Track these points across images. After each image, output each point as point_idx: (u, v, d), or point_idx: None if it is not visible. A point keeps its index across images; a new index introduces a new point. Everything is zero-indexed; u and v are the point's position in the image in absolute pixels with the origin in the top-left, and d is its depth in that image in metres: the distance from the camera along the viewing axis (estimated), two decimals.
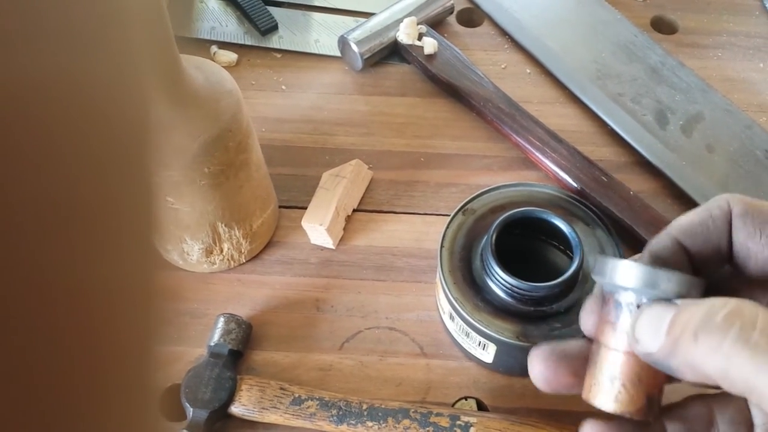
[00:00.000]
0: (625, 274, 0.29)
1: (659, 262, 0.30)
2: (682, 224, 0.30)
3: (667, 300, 0.28)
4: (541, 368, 0.32)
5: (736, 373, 0.23)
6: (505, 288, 0.44)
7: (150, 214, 0.16)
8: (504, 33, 0.68)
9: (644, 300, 0.29)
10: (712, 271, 0.31)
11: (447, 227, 0.48)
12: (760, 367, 0.22)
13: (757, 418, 0.30)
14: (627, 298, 0.29)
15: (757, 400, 0.24)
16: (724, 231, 0.29)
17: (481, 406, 0.48)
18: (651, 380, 0.29)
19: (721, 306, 0.25)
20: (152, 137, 0.16)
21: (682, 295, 0.28)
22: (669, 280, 0.28)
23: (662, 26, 0.71)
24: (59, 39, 0.12)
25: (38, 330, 0.12)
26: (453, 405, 0.48)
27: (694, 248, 0.30)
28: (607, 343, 0.30)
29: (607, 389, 0.29)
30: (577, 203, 0.49)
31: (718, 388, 0.26)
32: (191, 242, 0.48)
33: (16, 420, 0.12)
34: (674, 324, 0.26)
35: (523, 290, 0.44)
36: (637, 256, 0.32)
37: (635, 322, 0.28)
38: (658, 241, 0.30)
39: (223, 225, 0.48)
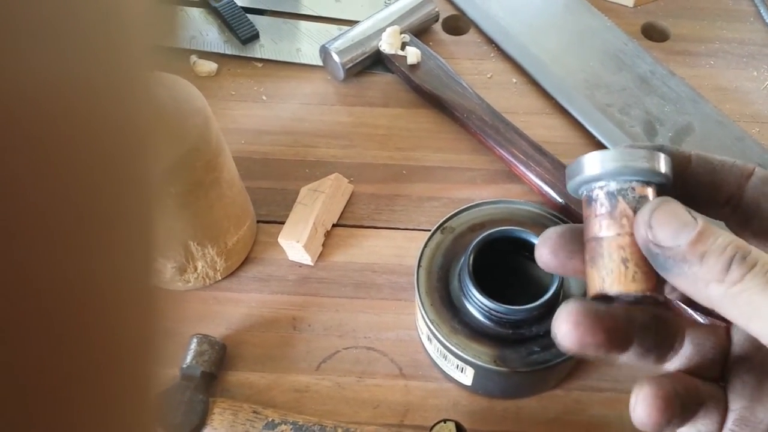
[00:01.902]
0: (611, 160, 0.29)
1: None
2: (705, 154, 0.31)
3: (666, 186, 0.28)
4: (570, 329, 0.31)
5: (742, 303, 0.25)
6: (482, 310, 0.43)
7: (151, 216, 0.16)
8: (490, 41, 0.67)
9: (634, 182, 0.28)
10: (699, 204, 0.31)
11: (425, 246, 0.47)
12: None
13: (734, 404, 0.30)
14: (616, 185, 0.29)
15: (753, 334, 0.25)
16: (737, 180, 0.30)
17: (460, 429, 0.47)
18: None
19: (740, 247, 0.26)
20: (154, 138, 0.16)
21: (667, 174, 0.28)
22: (659, 158, 0.28)
23: (653, 33, 0.70)
24: (63, 39, 0.12)
25: (38, 340, 0.12)
26: (431, 429, 0.46)
27: (697, 173, 0.30)
28: (609, 233, 0.29)
29: (623, 273, 0.28)
30: (558, 220, 0.48)
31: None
32: (163, 260, 0.47)
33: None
34: (703, 239, 0.26)
35: (501, 313, 0.42)
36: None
37: (653, 212, 0.27)
38: (676, 149, 0.31)
39: (195, 244, 0.47)
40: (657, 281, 0.28)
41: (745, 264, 0.25)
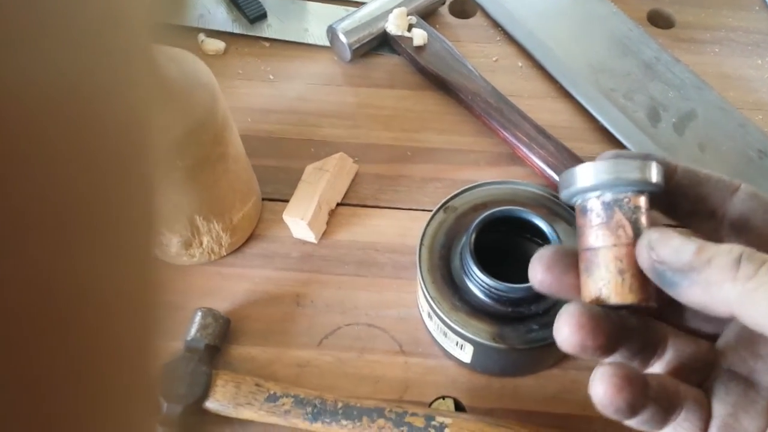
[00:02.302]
0: (605, 171, 0.29)
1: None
2: (693, 168, 0.31)
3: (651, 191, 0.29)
4: (542, 274, 0.31)
5: (761, 300, 0.24)
6: (482, 288, 0.44)
7: (150, 213, 0.16)
8: (497, 25, 0.67)
9: (630, 192, 0.29)
10: (681, 215, 0.32)
11: (427, 225, 0.48)
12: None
13: (717, 410, 0.30)
14: (612, 195, 0.29)
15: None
16: (722, 193, 0.30)
17: (458, 406, 0.47)
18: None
19: (745, 248, 0.26)
20: (153, 136, 0.16)
21: (659, 183, 0.29)
22: (651, 168, 0.29)
23: (659, 20, 0.70)
24: (62, 40, 0.12)
25: (37, 327, 0.12)
26: (430, 404, 0.47)
27: (683, 185, 0.31)
28: (605, 243, 0.29)
29: (620, 283, 0.29)
30: (559, 202, 0.49)
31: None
32: (169, 235, 0.48)
33: (16, 417, 0.12)
34: (704, 249, 0.26)
35: (501, 291, 0.43)
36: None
37: (652, 234, 0.28)
38: (663, 159, 0.31)
39: (200, 218, 0.47)
40: (652, 291, 0.29)
41: (755, 259, 0.25)
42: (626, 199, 0.29)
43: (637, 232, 0.29)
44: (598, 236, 0.29)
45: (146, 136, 0.15)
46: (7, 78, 0.11)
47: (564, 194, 0.31)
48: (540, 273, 0.31)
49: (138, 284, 0.16)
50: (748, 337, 0.30)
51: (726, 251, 0.26)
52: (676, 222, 0.32)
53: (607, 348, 0.29)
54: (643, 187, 0.29)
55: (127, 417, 0.16)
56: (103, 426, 0.15)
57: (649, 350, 0.31)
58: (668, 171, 0.31)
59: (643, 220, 0.29)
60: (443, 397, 0.48)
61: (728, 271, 0.25)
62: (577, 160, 0.55)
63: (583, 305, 0.29)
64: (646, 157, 0.30)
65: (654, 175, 0.29)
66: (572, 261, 0.31)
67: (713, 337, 0.31)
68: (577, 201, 0.30)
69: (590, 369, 0.49)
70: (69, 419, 0.13)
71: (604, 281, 0.29)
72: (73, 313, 0.13)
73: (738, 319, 0.25)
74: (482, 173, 0.57)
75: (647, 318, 0.31)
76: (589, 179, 0.29)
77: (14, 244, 0.11)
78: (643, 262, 0.28)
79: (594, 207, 0.29)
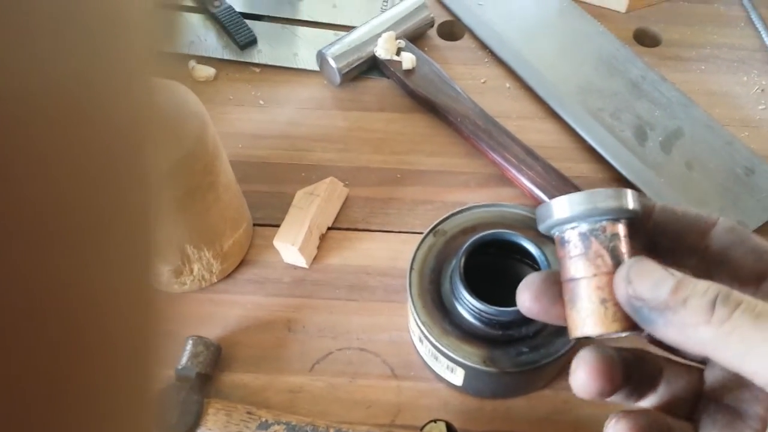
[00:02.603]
0: (579, 203, 0.29)
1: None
2: (669, 204, 0.32)
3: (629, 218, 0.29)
4: (529, 302, 0.32)
5: (734, 342, 0.25)
6: (472, 312, 0.44)
7: (150, 218, 0.16)
8: (484, 47, 0.68)
9: (604, 221, 0.29)
10: (663, 253, 0.32)
11: (417, 249, 0.48)
12: (757, 344, 0.24)
13: (709, 378, 0.31)
14: (587, 226, 0.29)
15: (747, 375, 0.25)
16: (700, 229, 0.31)
17: (450, 429, 0.47)
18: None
19: (715, 289, 0.26)
20: (154, 140, 0.16)
21: (635, 209, 0.29)
22: (626, 195, 0.29)
23: (645, 39, 0.71)
24: (66, 41, 0.12)
25: (34, 347, 0.12)
26: (422, 429, 0.47)
27: (662, 223, 0.31)
28: (585, 273, 0.30)
29: (603, 314, 0.29)
30: None
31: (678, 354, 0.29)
32: (159, 264, 0.48)
33: None
34: (682, 287, 0.26)
35: (491, 314, 0.43)
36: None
37: (630, 267, 0.28)
38: (641, 199, 0.31)
39: (191, 247, 0.48)
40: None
41: (729, 302, 0.25)
42: (602, 228, 0.29)
43: (616, 260, 0.29)
44: (577, 267, 0.30)
45: (143, 142, 0.15)
46: (11, 81, 0.11)
47: (542, 227, 0.31)
48: (528, 301, 0.31)
49: (137, 296, 0.16)
50: None
51: (701, 292, 0.26)
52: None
53: (618, 389, 0.30)
54: (618, 214, 0.29)
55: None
56: None
57: (645, 384, 0.31)
58: (646, 210, 0.31)
59: (623, 247, 0.29)
60: (435, 421, 0.48)
61: (703, 314, 0.25)
62: (565, 181, 0.55)
63: (596, 351, 0.30)
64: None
65: (629, 201, 0.29)
66: (559, 290, 0.31)
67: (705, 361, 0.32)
68: (555, 233, 0.31)
69: None
70: None
71: (587, 312, 0.29)
72: (67, 324, 0.13)
73: (713, 360, 0.26)
74: (472, 195, 0.58)
75: (643, 351, 0.32)
76: (564, 211, 0.29)
77: (9, 246, 0.11)
78: (621, 296, 0.28)
79: (571, 238, 0.30)
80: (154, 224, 0.16)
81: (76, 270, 0.13)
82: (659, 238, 0.31)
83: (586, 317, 0.29)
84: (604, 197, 0.29)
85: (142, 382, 0.16)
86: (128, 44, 0.15)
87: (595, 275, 0.29)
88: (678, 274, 0.27)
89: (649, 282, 0.27)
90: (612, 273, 0.29)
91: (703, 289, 0.26)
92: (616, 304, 0.29)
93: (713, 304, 0.25)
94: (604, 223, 0.29)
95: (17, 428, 0.12)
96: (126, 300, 0.15)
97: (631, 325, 0.29)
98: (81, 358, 0.13)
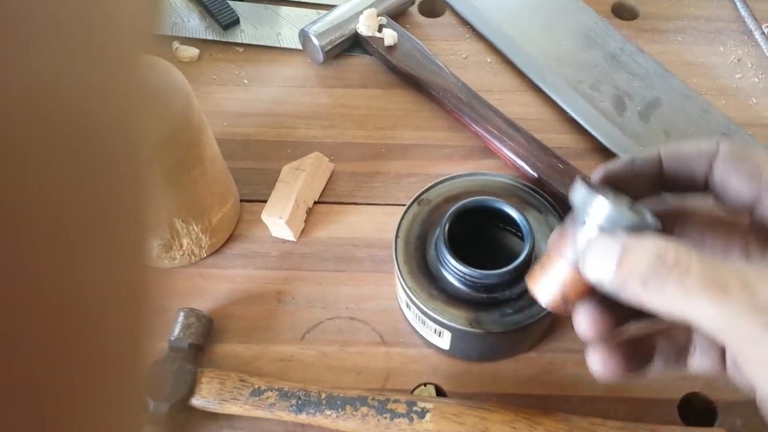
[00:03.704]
0: (579, 196, 0.32)
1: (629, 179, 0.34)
2: (671, 147, 0.34)
3: (613, 230, 0.31)
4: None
5: (678, 311, 0.27)
6: (458, 276, 0.45)
7: (142, 212, 0.16)
8: (465, 23, 0.69)
9: (594, 223, 0.32)
10: (679, 193, 0.35)
11: (402, 218, 0.49)
12: (693, 309, 0.27)
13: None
14: (578, 217, 0.32)
15: (695, 327, 0.28)
16: (706, 163, 0.33)
17: (440, 392, 0.49)
18: (571, 285, 0.33)
19: (663, 249, 0.28)
20: (145, 136, 0.16)
21: (633, 226, 0.31)
22: (617, 212, 0.31)
23: (623, 12, 0.72)
24: (54, 43, 0.12)
25: (30, 327, 0.12)
26: (412, 391, 0.48)
27: (671, 169, 0.33)
28: (564, 253, 0.33)
29: (536, 276, 0.34)
30: (530, 191, 0.50)
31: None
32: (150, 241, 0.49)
33: (9, 413, 0.12)
34: (622, 266, 0.29)
35: (476, 278, 0.44)
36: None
37: (586, 250, 0.31)
38: (646, 155, 0.34)
39: (180, 221, 0.48)
40: (558, 300, 0.33)
41: (669, 264, 0.27)
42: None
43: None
44: (566, 244, 0.33)
45: (133, 137, 0.16)
46: (9, 73, 0.11)
47: (570, 193, 0.33)
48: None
49: (129, 282, 0.16)
50: None
51: (629, 269, 0.28)
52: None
53: (633, 366, 0.33)
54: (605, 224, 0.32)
55: (116, 415, 0.16)
56: (93, 423, 0.15)
57: (682, 351, 0.34)
58: (654, 161, 0.33)
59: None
60: (425, 384, 0.49)
61: (641, 289, 0.28)
62: (547, 151, 0.56)
63: (606, 345, 0.33)
64: (631, 161, 0.33)
65: (631, 223, 0.31)
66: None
67: None
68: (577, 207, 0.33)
69: (566, 351, 0.50)
70: (59, 416, 0.14)
71: (534, 270, 0.34)
72: (64, 311, 0.13)
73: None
74: (456, 167, 0.59)
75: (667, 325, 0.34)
76: (574, 195, 0.32)
77: (8, 240, 0.12)
78: (590, 282, 0.31)
79: (579, 222, 0.32)
80: (147, 203, 0.17)
81: (71, 257, 0.13)
82: (675, 182, 0.33)
83: (531, 272, 0.34)
84: (601, 207, 0.31)
85: (134, 357, 0.17)
86: (117, 35, 0.15)
87: (555, 252, 0.33)
88: (617, 247, 0.29)
89: (595, 264, 0.30)
90: (565, 260, 0.32)
91: (636, 265, 0.28)
92: (549, 280, 0.33)
93: (645, 282, 0.28)
94: (579, 216, 0.32)
95: (11, 402, 0.12)
96: (120, 281, 0.16)
97: (548, 301, 0.33)
98: (75, 336, 0.14)
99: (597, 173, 0.34)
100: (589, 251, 0.31)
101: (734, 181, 0.32)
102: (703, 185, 0.33)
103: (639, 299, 0.28)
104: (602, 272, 0.29)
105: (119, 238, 0.15)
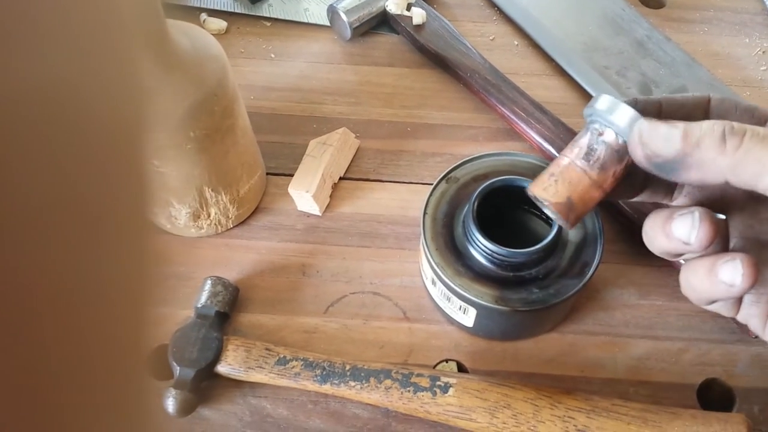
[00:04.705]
0: (604, 103, 0.34)
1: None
2: (671, 95, 0.36)
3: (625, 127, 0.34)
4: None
5: (750, 169, 0.29)
6: (485, 254, 0.45)
7: (143, 198, 0.16)
8: (493, 4, 0.69)
9: (606, 128, 0.34)
10: None
11: (430, 195, 0.49)
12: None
13: (734, 230, 0.36)
14: (596, 124, 0.35)
15: (762, 188, 0.29)
16: (701, 106, 0.36)
17: (461, 368, 0.49)
18: (578, 189, 0.35)
19: (719, 125, 0.30)
20: (146, 131, 0.16)
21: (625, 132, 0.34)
22: (623, 116, 0.34)
23: (650, 1, 0.72)
24: (56, 43, 0.12)
25: (32, 296, 0.12)
26: (434, 367, 0.49)
27: (670, 112, 0.36)
28: (563, 153, 0.36)
29: (543, 181, 0.36)
30: None
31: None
32: (178, 206, 0.49)
33: (11, 379, 0.12)
34: (690, 133, 0.31)
35: (503, 256, 0.45)
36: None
37: (640, 132, 0.32)
38: (647, 98, 0.36)
39: (209, 189, 0.49)
40: (564, 202, 0.35)
41: (736, 131, 0.29)
42: (598, 131, 0.35)
43: (587, 158, 0.35)
44: (568, 145, 0.36)
45: (137, 129, 0.16)
46: (6, 83, 0.11)
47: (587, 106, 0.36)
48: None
49: (132, 252, 0.16)
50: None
51: (709, 130, 0.30)
52: None
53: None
54: (614, 126, 0.34)
55: (119, 387, 0.16)
56: (97, 397, 0.15)
57: (671, 187, 0.38)
58: (655, 106, 0.35)
59: (602, 153, 0.34)
60: (446, 360, 0.49)
61: (717, 147, 0.29)
62: (573, 134, 0.56)
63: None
64: (634, 103, 0.35)
65: (622, 119, 0.33)
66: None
67: None
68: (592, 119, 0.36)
69: (587, 333, 0.51)
70: (59, 380, 0.14)
71: (540, 175, 0.36)
72: (65, 278, 0.13)
73: (732, 184, 0.30)
74: (481, 148, 0.59)
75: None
76: (592, 104, 0.35)
77: (14, 229, 0.12)
78: (640, 160, 0.32)
79: (585, 126, 0.36)
80: (149, 194, 0.17)
81: (75, 247, 0.14)
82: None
83: (537, 177, 0.36)
84: (609, 106, 0.34)
85: (137, 325, 0.17)
86: (120, 31, 0.15)
87: (565, 156, 0.35)
88: (680, 124, 0.31)
89: (660, 139, 0.31)
90: (574, 163, 0.35)
91: (709, 127, 0.30)
92: (556, 181, 0.35)
93: (723, 137, 0.29)
94: (598, 126, 0.35)
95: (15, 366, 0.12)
96: (123, 250, 0.16)
97: (554, 202, 0.35)
98: (80, 302, 0.14)
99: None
100: (651, 127, 0.32)
101: (735, 117, 0.34)
102: None
103: (706, 160, 0.30)
104: (667, 142, 0.31)
105: (121, 231, 0.16)
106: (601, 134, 0.34)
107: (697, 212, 0.32)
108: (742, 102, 0.36)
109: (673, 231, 0.33)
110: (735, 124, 0.30)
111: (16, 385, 0.12)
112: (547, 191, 0.35)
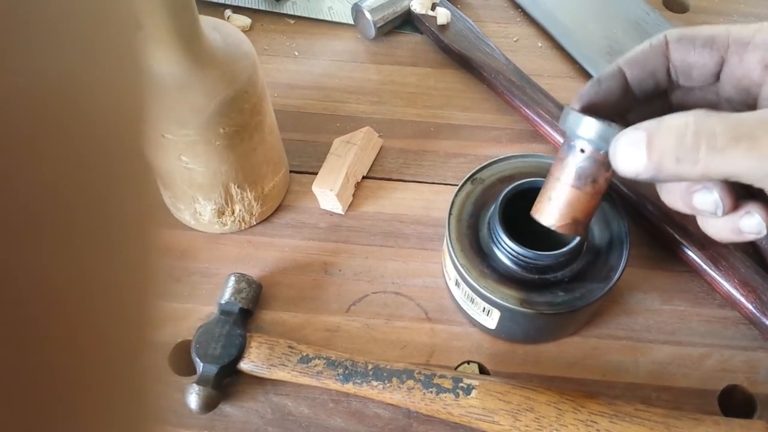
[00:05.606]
0: (570, 120, 0.36)
1: (597, 102, 0.38)
2: (626, 55, 0.37)
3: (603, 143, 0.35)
4: None
5: (716, 174, 0.30)
6: (510, 256, 0.45)
7: (147, 194, 0.17)
8: (517, 6, 0.69)
9: (585, 144, 0.36)
10: (649, 98, 0.38)
11: (456, 195, 0.49)
12: (732, 165, 0.29)
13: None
14: (574, 142, 0.37)
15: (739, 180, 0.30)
16: (661, 56, 0.36)
17: (482, 370, 0.49)
18: (579, 206, 0.37)
19: (683, 126, 0.31)
20: (147, 124, 0.16)
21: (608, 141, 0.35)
22: (604, 126, 0.35)
23: (674, 5, 0.71)
24: (60, 41, 0.12)
25: (35, 290, 0.12)
26: (455, 368, 0.49)
27: (634, 75, 0.37)
28: (554, 174, 0.37)
29: (544, 207, 0.38)
30: None
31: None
32: (204, 202, 0.49)
33: (15, 373, 0.12)
34: (652, 150, 0.31)
35: (529, 258, 0.45)
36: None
37: (613, 147, 0.34)
38: (606, 70, 0.37)
39: (235, 186, 0.49)
40: (570, 223, 0.37)
41: (690, 146, 0.30)
42: (582, 150, 0.36)
43: (577, 177, 0.37)
44: (556, 166, 0.38)
45: (139, 121, 0.16)
46: (10, 81, 0.11)
47: (560, 121, 0.38)
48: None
49: (135, 244, 0.16)
50: None
51: (660, 152, 0.31)
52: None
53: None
54: (595, 144, 0.36)
55: (125, 374, 0.16)
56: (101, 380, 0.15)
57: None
58: (616, 73, 0.37)
59: (589, 170, 0.36)
60: (468, 362, 0.49)
61: (676, 166, 0.31)
62: None
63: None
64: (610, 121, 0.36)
65: (603, 137, 0.35)
66: None
67: None
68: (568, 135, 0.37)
69: (610, 338, 0.50)
70: (65, 376, 0.14)
71: (540, 201, 0.39)
72: (67, 270, 0.13)
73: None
74: (504, 149, 0.59)
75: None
76: (570, 123, 0.37)
77: (18, 224, 0.12)
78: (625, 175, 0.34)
79: (564, 143, 0.37)
80: (149, 193, 0.17)
81: (79, 246, 0.14)
82: (638, 89, 0.37)
83: (537, 203, 0.39)
84: (575, 121, 0.36)
85: (143, 318, 0.17)
86: (118, 30, 0.15)
87: (557, 179, 0.37)
88: (644, 127, 0.32)
89: (627, 158, 0.33)
90: (567, 184, 0.36)
91: (665, 146, 0.31)
92: (557, 206, 0.37)
93: (678, 160, 0.30)
94: (576, 143, 0.36)
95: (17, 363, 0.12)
96: (128, 242, 0.16)
97: (561, 225, 0.38)
98: (84, 295, 0.14)
99: (574, 102, 0.38)
100: (618, 146, 0.33)
101: (694, 57, 0.35)
102: (666, 81, 0.36)
103: (678, 175, 0.31)
104: (635, 163, 0.32)
105: (123, 227, 0.16)
106: (583, 151, 0.36)
107: (715, 191, 0.33)
108: (699, 34, 0.36)
109: (695, 204, 0.34)
110: (693, 120, 0.30)
111: (20, 384, 0.12)
112: (552, 217, 0.38)
